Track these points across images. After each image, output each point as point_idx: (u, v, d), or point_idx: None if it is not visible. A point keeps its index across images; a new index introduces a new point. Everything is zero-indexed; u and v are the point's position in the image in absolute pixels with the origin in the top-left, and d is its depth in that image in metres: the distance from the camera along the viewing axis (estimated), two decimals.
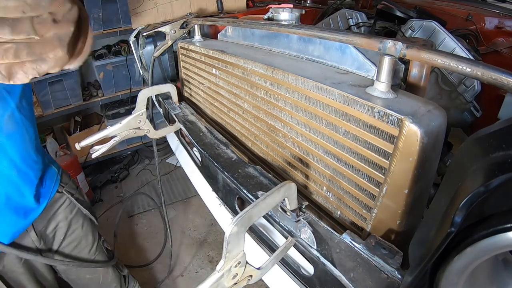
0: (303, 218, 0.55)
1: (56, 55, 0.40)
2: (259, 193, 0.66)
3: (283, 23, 0.81)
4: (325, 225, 0.53)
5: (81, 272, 0.97)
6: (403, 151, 0.43)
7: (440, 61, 0.42)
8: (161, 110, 1.32)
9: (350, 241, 0.48)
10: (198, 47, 0.96)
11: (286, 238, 0.61)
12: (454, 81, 1.05)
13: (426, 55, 0.44)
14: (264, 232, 0.72)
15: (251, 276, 0.47)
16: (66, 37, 0.40)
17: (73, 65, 0.45)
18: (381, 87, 0.47)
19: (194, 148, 1.07)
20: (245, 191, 0.67)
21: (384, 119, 0.44)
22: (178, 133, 1.24)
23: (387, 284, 0.43)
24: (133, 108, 0.94)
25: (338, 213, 0.60)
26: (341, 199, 0.58)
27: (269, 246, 0.71)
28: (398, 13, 1.25)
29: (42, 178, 0.82)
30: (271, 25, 0.72)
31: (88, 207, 0.97)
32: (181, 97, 1.29)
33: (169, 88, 1.04)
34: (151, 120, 1.10)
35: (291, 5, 0.88)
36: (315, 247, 0.55)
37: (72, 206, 0.91)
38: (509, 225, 0.25)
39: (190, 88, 1.21)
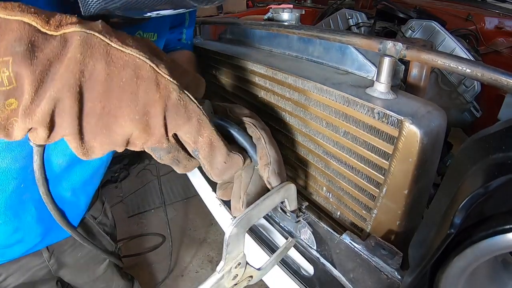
0: (303, 219, 0.55)
1: None
2: None
3: (283, 23, 0.81)
4: (325, 226, 0.53)
5: (97, 284, 0.94)
6: (403, 152, 0.43)
7: (440, 61, 0.42)
8: None
9: (350, 242, 0.48)
10: (198, 48, 0.96)
11: (286, 238, 0.61)
12: (454, 81, 1.05)
13: (426, 55, 0.44)
14: (264, 233, 0.72)
15: (251, 276, 0.47)
16: None
17: None
18: (381, 88, 0.46)
19: None
20: None
21: (384, 120, 0.44)
22: None
23: (387, 285, 0.43)
24: None
25: (338, 213, 0.60)
26: (341, 199, 0.58)
27: (269, 247, 0.71)
28: (398, 13, 1.26)
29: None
30: (271, 25, 0.72)
31: (109, 232, 0.93)
32: None
33: None
34: None
35: (291, 5, 0.88)
36: (315, 247, 0.55)
37: (91, 226, 0.87)
38: (508, 227, 0.25)
39: None
